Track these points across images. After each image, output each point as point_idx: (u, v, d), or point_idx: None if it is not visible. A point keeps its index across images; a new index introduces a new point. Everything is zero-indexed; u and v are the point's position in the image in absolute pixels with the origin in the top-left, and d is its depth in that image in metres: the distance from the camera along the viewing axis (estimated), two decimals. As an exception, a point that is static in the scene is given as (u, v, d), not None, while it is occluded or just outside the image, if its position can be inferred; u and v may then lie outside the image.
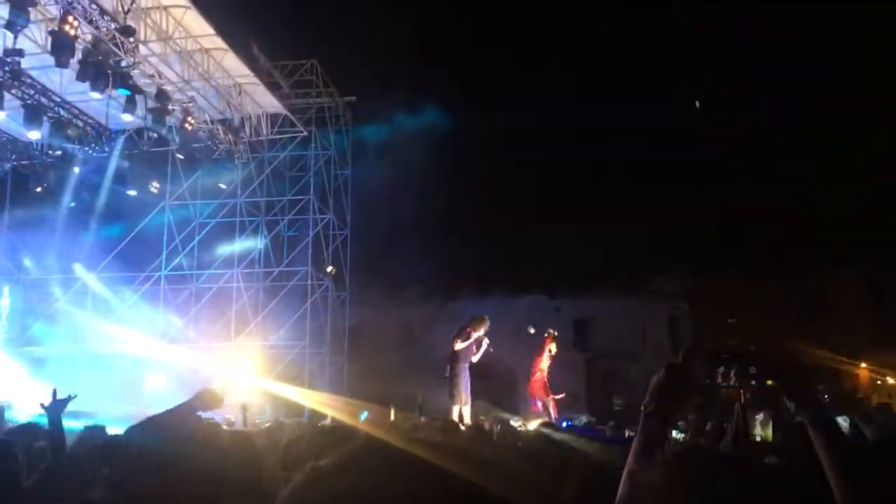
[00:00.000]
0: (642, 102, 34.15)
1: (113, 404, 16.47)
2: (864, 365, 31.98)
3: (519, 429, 9.26)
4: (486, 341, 12.54)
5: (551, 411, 14.32)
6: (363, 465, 1.25)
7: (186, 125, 18.78)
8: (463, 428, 8.53)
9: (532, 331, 16.03)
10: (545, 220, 32.67)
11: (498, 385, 16.58)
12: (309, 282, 22.39)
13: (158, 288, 22.06)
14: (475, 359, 12.54)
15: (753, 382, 2.01)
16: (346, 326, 24.42)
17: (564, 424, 11.51)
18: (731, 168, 32.95)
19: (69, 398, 4.86)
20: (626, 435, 8.60)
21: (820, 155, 31.85)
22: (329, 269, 23.18)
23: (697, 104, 29.46)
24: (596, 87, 34.50)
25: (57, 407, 4.76)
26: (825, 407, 2.13)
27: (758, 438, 2.13)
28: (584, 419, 18.15)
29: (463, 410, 12.26)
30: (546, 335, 15.22)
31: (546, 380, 14.72)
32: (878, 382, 31.91)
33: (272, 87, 20.98)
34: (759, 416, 2.09)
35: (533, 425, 9.77)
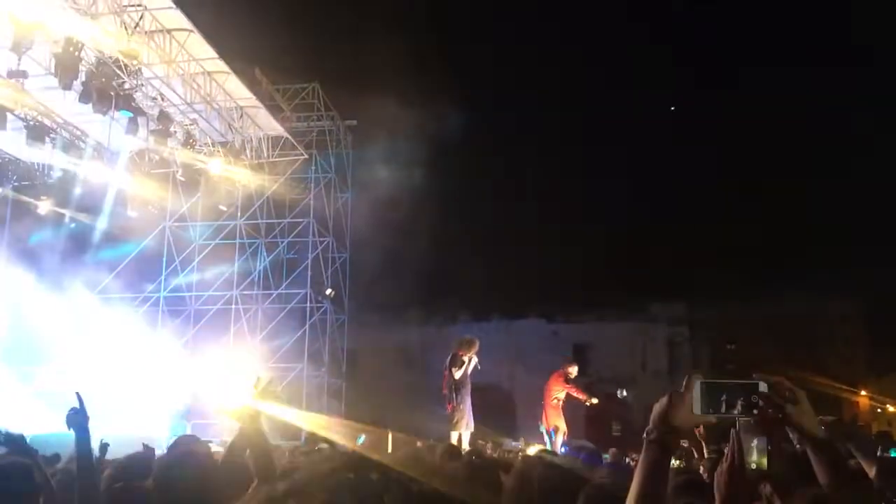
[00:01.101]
0: (642, 127, 34.31)
1: (111, 424, 16.39)
2: (863, 393, 31.92)
3: (518, 454, 9.23)
4: (475, 359, 12.48)
5: (558, 437, 14.08)
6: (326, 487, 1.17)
7: (188, 147, 18.89)
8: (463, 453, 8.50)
9: (623, 394, 15.76)
10: (544, 244, 32.69)
11: (497, 409, 16.51)
12: (308, 304, 22.40)
13: (157, 309, 22.05)
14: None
15: (756, 412, 2.02)
16: (344, 349, 24.39)
17: (563, 450, 11.46)
18: (730, 195, 33.07)
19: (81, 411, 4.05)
20: (626, 461, 8.59)
21: (819, 186, 31.96)
22: (328, 291, 23.20)
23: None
24: (596, 115, 34.70)
25: (79, 420, 3.99)
26: (828, 437, 2.14)
27: (753, 466, 2.13)
28: (581, 444, 17.99)
29: (463, 435, 12.20)
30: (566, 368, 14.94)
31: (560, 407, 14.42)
32: (878, 410, 31.84)
33: (274, 110, 21.10)
34: (755, 443, 2.09)
35: (532, 450, 9.73)
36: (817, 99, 34.10)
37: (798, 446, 2.15)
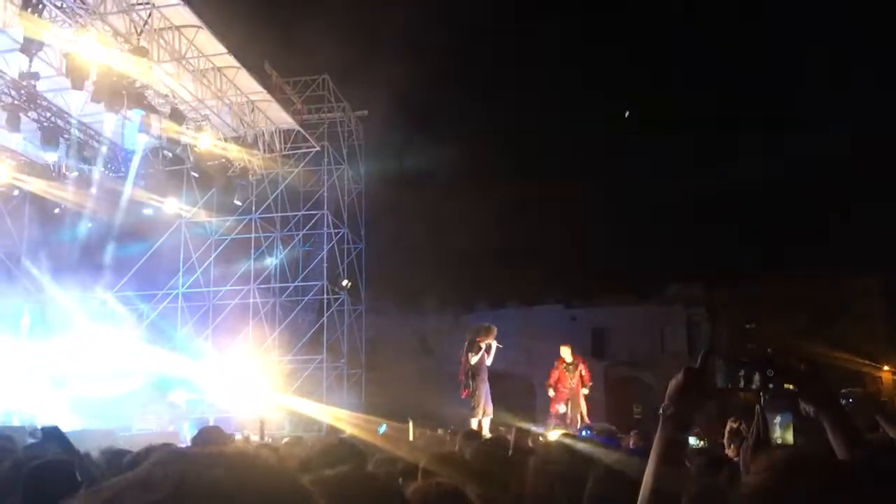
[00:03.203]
0: (655, 107, 34.05)
1: (135, 421, 16.61)
2: (885, 368, 31.70)
3: (539, 439, 9.25)
4: (494, 343, 12.63)
5: (578, 417, 14.26)
6: None
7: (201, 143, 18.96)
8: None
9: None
10: (560, 228, 32.59)
11: (516, 395, 16.59)
12: (325, 296, 22.48)
13: (176, 305, 22.21)
14: (489, 362, 12.62)
15: (772, 386, 2.02)
16: (362, 339, 24.48)
17: (584, 433, 11.47)
18: (747, 171, 32.79)
19: (56, 430, 4.63)
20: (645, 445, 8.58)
21: (837, 161, 31.64)
22: (345, 282, 23.25)
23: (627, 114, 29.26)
24: (610, 96, 34.44)
25: (56, 437, 4.52)
26: (844, 409, 2.14)
27: (778, 441, 2.13)
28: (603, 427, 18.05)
29: (483, 422, 12.29)
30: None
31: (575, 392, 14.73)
32: (901, 385, 31.64)
33: (284, 103, 21.12)
34: (779, 419, 2.10)
35: (553, 435, 9.74)
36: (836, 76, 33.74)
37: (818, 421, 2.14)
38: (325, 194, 22.85)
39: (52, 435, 4.47)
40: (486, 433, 11.41)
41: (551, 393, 14.57)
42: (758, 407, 2.16)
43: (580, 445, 3.67)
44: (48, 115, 17.31)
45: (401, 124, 25.45)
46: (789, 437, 2.11)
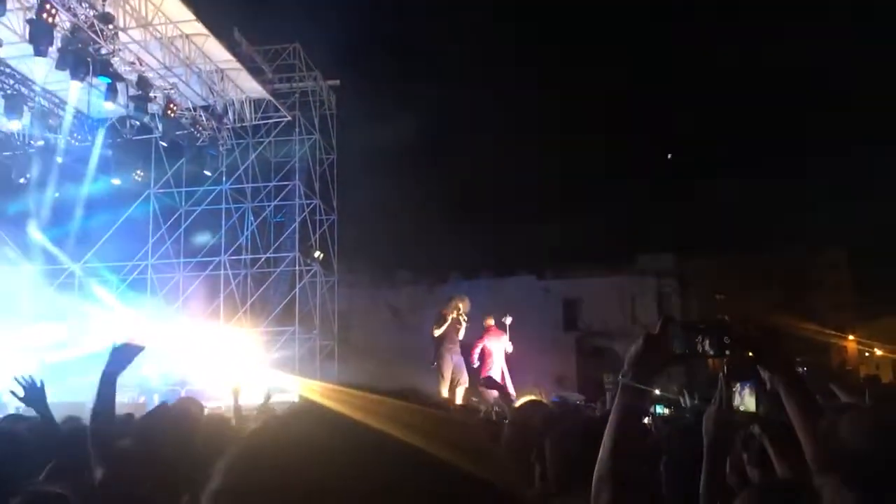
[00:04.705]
0: (625, 82, 34.11)
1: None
2: (851, 338, 32.33)
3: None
4: (464, 319, 12.59)
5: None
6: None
7: (169, 112, 18.60)
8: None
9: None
10: (532, 201, 32.69)
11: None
12: (297, 267, 22.35)
13: (146, 277, 21.97)
14: (460, 336, 12.64)
15: (728, 352, 2.02)
16: (335, 311, 24.40)
17: (554, 400, 11.58)
18: (716, 144, 33.05)
19: (39, 385, 4.58)
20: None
21: (802, 136, 31.95)
22: (317, 254, 23.11)
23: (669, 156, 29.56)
24: (579, 68, 34.44)
25: (36, 396, 4.49)
26: (798, 373, 2.15)
27: (741, 409, 2.14)
28: (575, 397, 18.25)
29: (457, 392, 12.36)
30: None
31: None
32: (866, 354, 32.30)
33: (255, 72, 20.81)
34: (742, 387, 2.11)
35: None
36: (813, 54, 33.95)
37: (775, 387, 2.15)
38: (297, 165, 22.64)
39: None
40: (458, 402, 11.49)
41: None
42: (721, 375, 2.16)
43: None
44: (11, 82, 16.95)
45: (373, 94, 25.24)
46: (752, 405, 2.12)
